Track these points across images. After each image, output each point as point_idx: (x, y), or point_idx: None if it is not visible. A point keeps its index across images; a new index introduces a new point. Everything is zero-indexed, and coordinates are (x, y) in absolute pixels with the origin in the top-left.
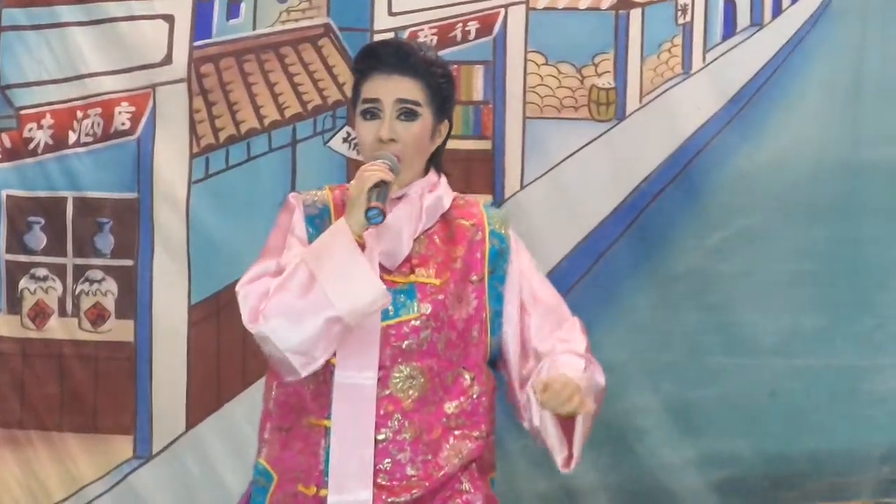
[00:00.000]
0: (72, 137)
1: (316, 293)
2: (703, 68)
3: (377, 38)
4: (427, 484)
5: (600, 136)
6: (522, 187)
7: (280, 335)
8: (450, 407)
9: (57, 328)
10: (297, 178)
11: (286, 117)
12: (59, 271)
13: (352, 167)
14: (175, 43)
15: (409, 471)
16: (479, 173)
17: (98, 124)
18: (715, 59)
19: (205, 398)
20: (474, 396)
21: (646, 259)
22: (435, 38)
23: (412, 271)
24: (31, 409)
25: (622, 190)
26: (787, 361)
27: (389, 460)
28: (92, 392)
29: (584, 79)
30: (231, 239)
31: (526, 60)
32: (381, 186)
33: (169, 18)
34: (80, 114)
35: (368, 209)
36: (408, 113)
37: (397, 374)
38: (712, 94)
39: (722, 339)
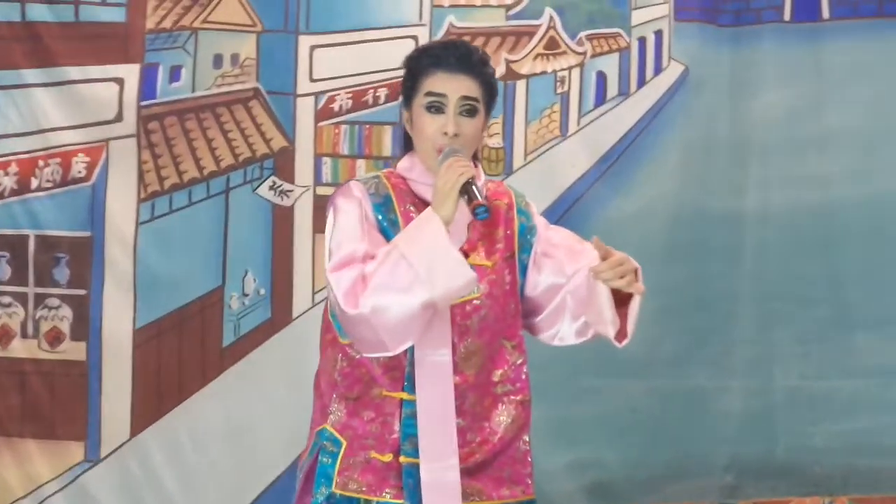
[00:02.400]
0: (34, 183)
1: (413, 279)
2: (578, 131)
3: (299, 101)
4: (486, 448)
5: None
6: None
7: (378, 318)
8: (496, 375)
9: (19, 348)
10: (229, 220)
11: (221, 168)
12: (22, 299)
13: (276, 212)
14: (125, 103)
15: (469, 437)
16: None
17: (57, 172)
18: (588, 124)
19: (147, 410)
20: (517, 363)
21: None
22: (350, 101)
23: (466, 256)
24: None
25: None
26: (648, 382)
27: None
28: (49, 403)
29: None
30: (172, 273)
31: None
32: (471, 182)
33: (120, 81)
34: (41, 163)
35: (476, 206)
36: (469, 109)
37: (463, 350)
38: (586, 154)
39: (593, 362)
